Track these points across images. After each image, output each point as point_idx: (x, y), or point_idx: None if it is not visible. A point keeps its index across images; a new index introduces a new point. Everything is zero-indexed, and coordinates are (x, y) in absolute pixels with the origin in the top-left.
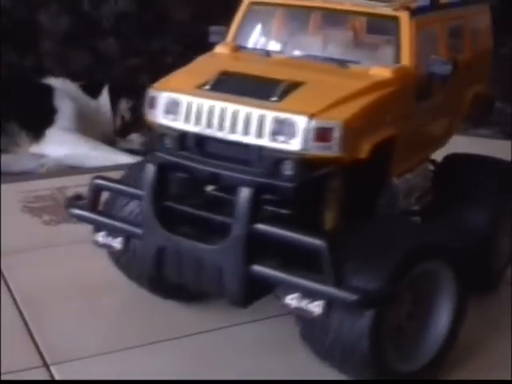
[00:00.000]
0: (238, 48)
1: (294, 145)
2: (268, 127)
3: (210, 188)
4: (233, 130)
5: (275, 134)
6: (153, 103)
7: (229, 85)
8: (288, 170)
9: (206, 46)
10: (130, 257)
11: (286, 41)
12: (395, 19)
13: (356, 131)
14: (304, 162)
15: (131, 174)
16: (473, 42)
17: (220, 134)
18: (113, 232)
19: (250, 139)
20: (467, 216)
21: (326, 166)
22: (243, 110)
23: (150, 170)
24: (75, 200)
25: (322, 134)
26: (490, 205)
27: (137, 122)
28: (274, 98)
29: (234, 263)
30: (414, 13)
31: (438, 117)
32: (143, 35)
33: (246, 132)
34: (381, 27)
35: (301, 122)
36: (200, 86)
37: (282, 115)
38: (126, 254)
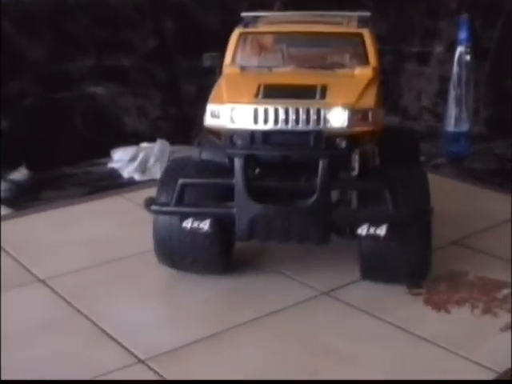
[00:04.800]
0: (243, 68)
1: (344, 125)
2: (324, 116)
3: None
4: (296, 123)
5: (329, 120)
6: (216, 114)
7: (277, 93)
8: (342, 143)
9: (65, 86)
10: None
11: (272, 58)
12: (360, 35)
13: (377, 111)
14: (351, 137)
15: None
16: None
17: (286, 128)
18: (199, 217)
19: (312, 127)
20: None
21: (363, 137)
22: (303, 107)
23: (239, 161)
24: (151, 200)
25: (362, 116)
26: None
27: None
28: (317, 97)
29: (323, 213)
30: (368, 27)
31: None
32: None
33: (307, 123)
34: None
35: (347, 109)
36: (255, 96)
37: (333, 107)
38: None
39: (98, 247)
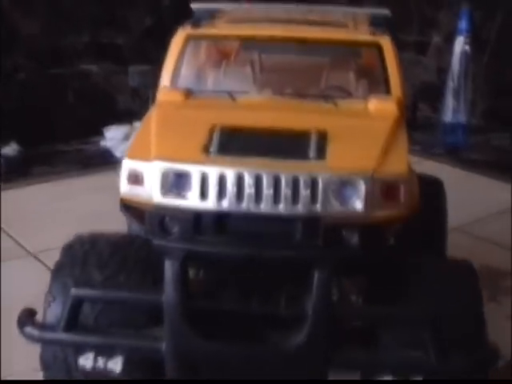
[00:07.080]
0: (189, 93)
1: (358, 208)
2: (323, 192)
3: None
4: (275, 201)
5: (332, 198)
6: (138, 178)
7: (241, 144)
8: (353, 238)
9: (60, 62)
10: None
11: (238, 78)
12: (376, 46)
13: (411, 181)
14: (368, 226)
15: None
16: None
17: (258, 209)
18: (105, 351)
19: (303, 209)
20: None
21: (389, 225)
22: (287, 174)
23: (172, 264)
24: (29, 317)
25: (389, 192)
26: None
27: None
28: (312, 155)
29: (317, 359)
30: (390, 35)
31: None
32: None
33: (293, 202)
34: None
35: (363, 180)
36: (204, 150)
37: (339, 176)
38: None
39: (90, 221)
